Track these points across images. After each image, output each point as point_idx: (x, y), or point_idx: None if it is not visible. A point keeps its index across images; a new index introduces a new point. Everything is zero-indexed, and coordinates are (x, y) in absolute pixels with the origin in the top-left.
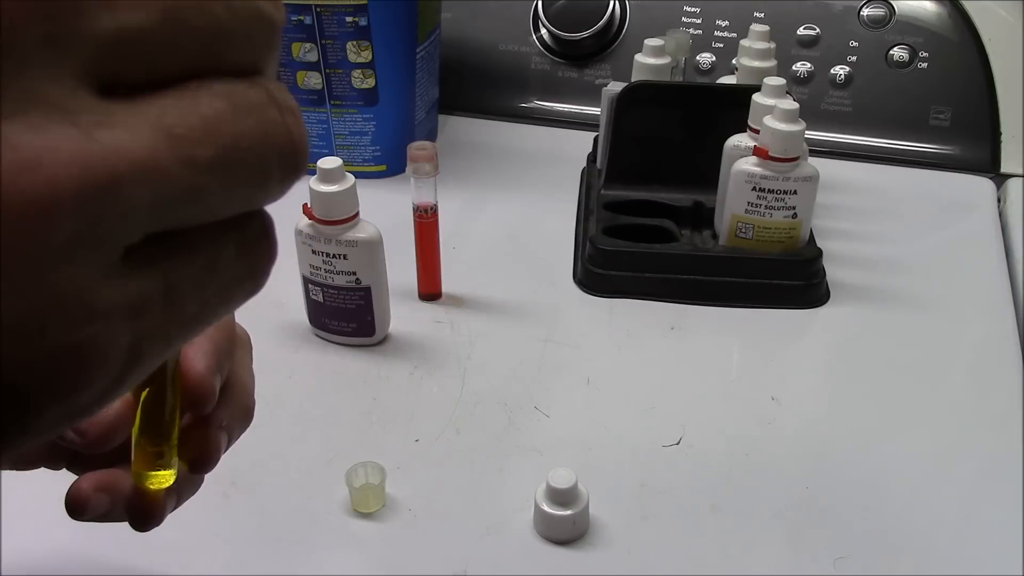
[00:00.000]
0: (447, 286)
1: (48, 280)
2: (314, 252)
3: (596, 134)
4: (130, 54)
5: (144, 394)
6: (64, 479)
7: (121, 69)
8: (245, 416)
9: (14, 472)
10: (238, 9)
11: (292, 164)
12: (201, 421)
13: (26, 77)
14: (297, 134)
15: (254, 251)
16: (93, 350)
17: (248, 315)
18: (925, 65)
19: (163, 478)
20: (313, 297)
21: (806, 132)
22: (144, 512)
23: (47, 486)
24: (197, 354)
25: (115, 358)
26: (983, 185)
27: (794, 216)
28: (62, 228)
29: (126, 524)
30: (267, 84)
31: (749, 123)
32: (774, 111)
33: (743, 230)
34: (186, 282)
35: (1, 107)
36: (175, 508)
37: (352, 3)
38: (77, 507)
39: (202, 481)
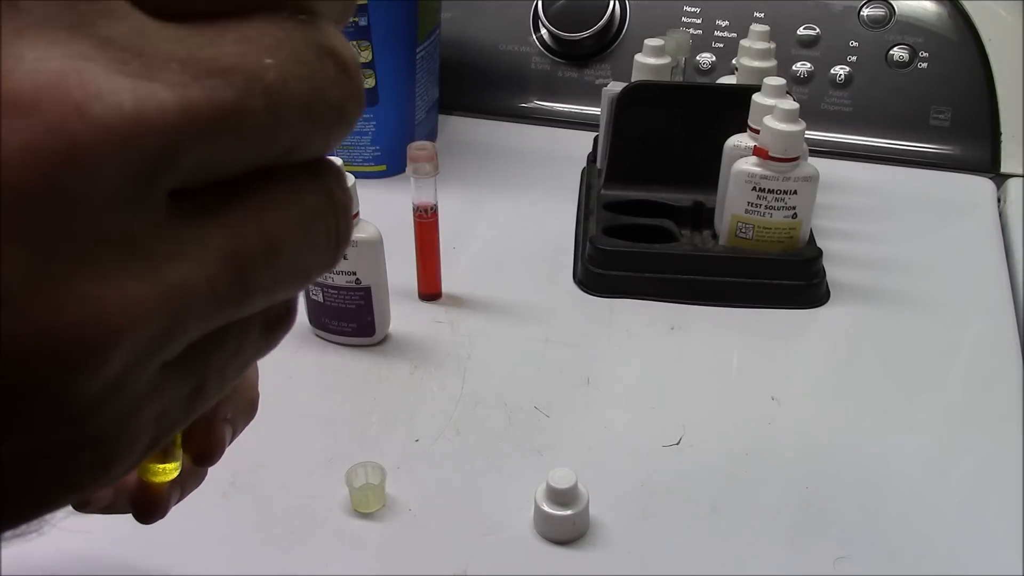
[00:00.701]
0: (447, 286)
1: (100, 402)
2: None
3: (596, 134)
4: (209, 166)
5: None
6: None
7: (194, 181)
8: (249, 409)
9: None
10: (320, 113)
11: (329, 265)
12: (205, 414)
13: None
14: (344, 237)
15: (276, 328)
16: (119, 447)
17: None
18: (925, 65)
19: (167, 471)
20: (313, 297)
21: (806, 132)
22: (148, 505)
23: None
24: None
25: (138, 450)
26: (983, 185)
27: (794, 216)
28: (114, 363)
29: (129, 518)
30: (330, 186)
31: (749, 123)
32: (774, 111)
33: (743, 230)
34: (214, 373)
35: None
36: (179, 501)
37: None
38: (80, 500)
39: (205, 474)
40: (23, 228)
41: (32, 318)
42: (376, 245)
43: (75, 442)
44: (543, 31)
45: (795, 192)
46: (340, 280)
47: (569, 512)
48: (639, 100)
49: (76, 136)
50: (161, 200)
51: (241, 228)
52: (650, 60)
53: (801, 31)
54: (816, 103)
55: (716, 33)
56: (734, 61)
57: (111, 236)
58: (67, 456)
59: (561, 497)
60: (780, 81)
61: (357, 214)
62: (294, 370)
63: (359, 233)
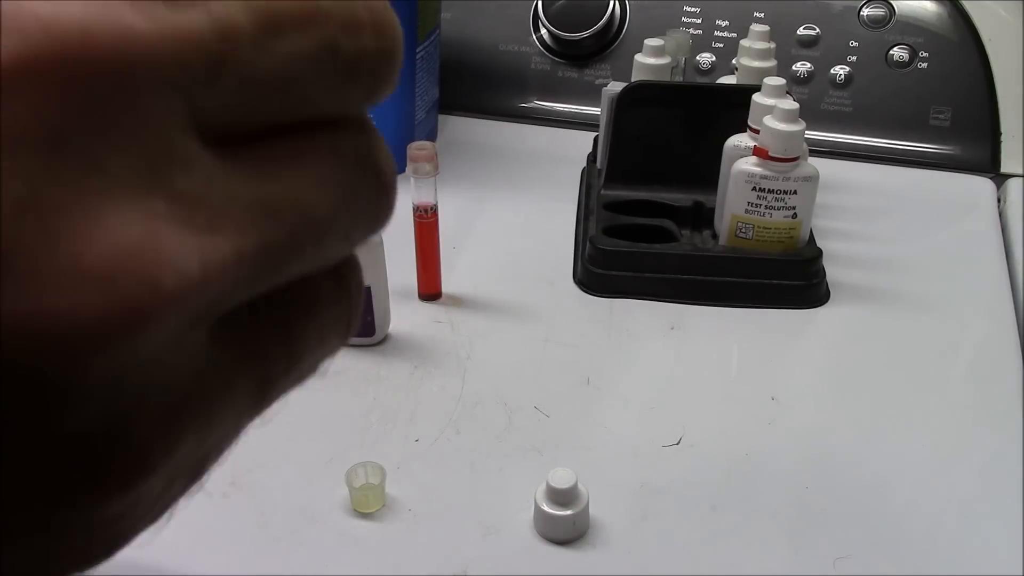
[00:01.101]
0: (447, 286)
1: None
2: None
3: (596, 134)
4: (253, 99)
5: None
6: None
7: (237, 120)
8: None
9: None
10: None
11: (372, 230)
12: None
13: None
14: (390, 206)
15: (349, 276)
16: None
17: None
18: (925, 65)
19: None
20: None
21: (806, 132)
22: None
23: None
24: None
25: (179, 453)
26: (983, 185)
27: (794, 216)
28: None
29: None
30: (370, 139)
31: (749, 123)
32: (774, 111)
33: (743, 230)
34: (287, 344)
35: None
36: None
37: None
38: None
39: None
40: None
41: None
42: (376, 245)
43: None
44: (543, 31)
45: (795, 192)
46: None
47: (569, 512)
48: (639, 100)
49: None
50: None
51: (282, 178)
52: (650, 60)
53: (801, 31)
54: (816, 103)
55: (716, 33)
56: (734, 61)
57: (155, 161)
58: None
59: (561, 497)
60: (780, 81)
61: None
62: None
63: None
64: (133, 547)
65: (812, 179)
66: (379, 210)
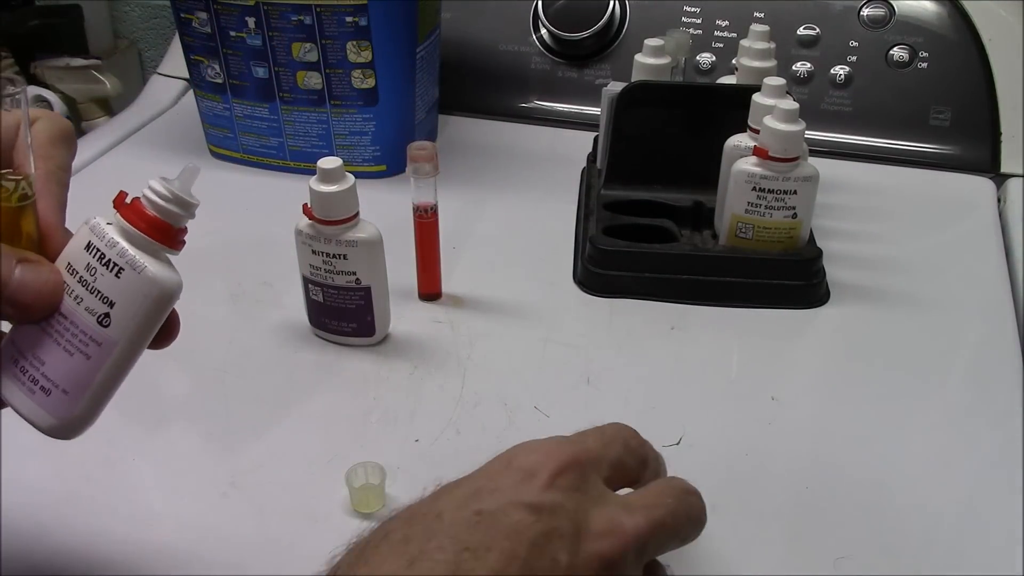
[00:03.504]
0: (447, 286)
1: None
2: (314, 252)
3: (596, 134)
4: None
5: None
6: (65, 485)
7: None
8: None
9: (15, 475)
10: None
11: (696, 533)
12: None
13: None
14: (704, 521)
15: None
16: None
17: (249, 315)
18: (925, 65)
19: None
20: (313, 297)
21: (806, 132)
22: None
23: (47, 487)
24: (51, 205)
25: None
26: (983, 185)
27: (794, 216)
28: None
29: (126, 522)
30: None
31: (749, 123)
32: (774, 111)
33: (743, 230)
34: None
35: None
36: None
37: (352, 3)
38: None
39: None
40: None
41: None
42: (376, 245)
43: None
44: (543, 31)
45: (795, 192)
46: (340, 280)
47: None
48: (639, 100)
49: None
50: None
51: (650, 498)
52: (650, 60)
53: (801, 31)
54: (816, 103)
55: (716, 33)
56: (734, 61)
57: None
58: None
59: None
60: (780, 81)
61: (357, 214)
62: (294, 370)
63: (359, 233)
64: (133, 547)
65: (812, 179)
66: (702, 519)
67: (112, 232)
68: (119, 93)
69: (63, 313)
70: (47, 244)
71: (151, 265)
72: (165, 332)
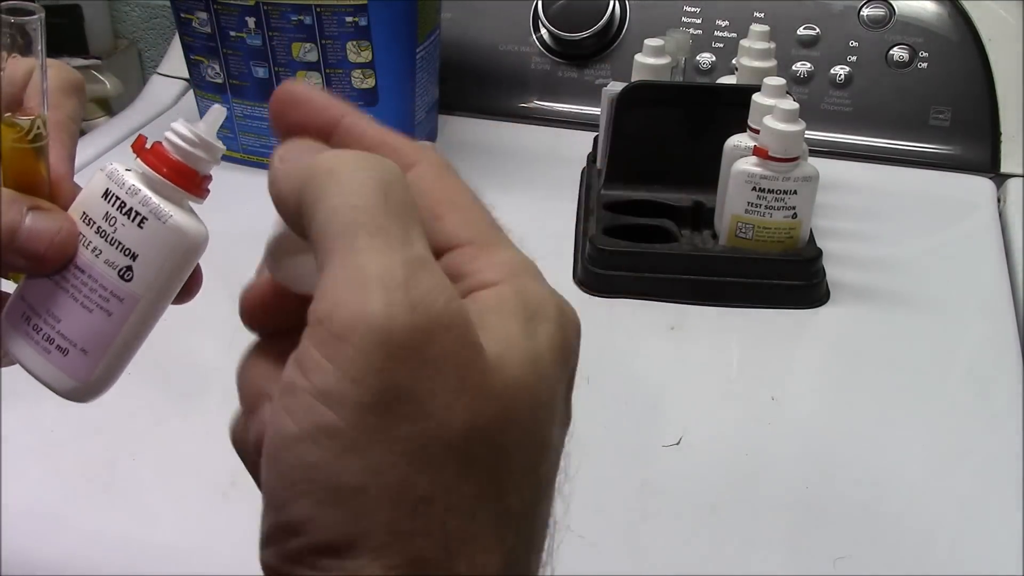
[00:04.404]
0: None
1: None
2: None
3: (596, 134)
4: None
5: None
6: (65, 485)
7: None
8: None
9: (15, 475)
10: None
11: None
12: None
13: None
14: None
15: None
16: None
17: None
18: (925, 65)
19: None
20: None
21: (806, 132)
22: None
23: (47, 487)
24: (61, 155)
25: None
26: (983, 185)
27: (794, 216)
28: None
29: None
30: None
31: (749, 123)
32: (774, 111)
33: (743, 230)
34: None
35: None
36: None
37: (352, 3)
38: None
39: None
40: None
41: None
42: None
43: None
44: (543, 31)
45: (795, 192)
46: None
47: None
48: (639, 100)
49: None
50: None
51: None
52: (650, 60)
53: (801, 31)
54: (816, 103)
55: (716, 33)
56: (734, 61)
57: None
58: None
59: None
60: (780, 81)
61: None
62: None
63: None
64: (133, 547)
65: (812, 179)
66: None
67: (132, 179)
68: (119, 93)
69: (79, 267)
70: (56, 193)
71: (177, 214)
72: (188, 285)
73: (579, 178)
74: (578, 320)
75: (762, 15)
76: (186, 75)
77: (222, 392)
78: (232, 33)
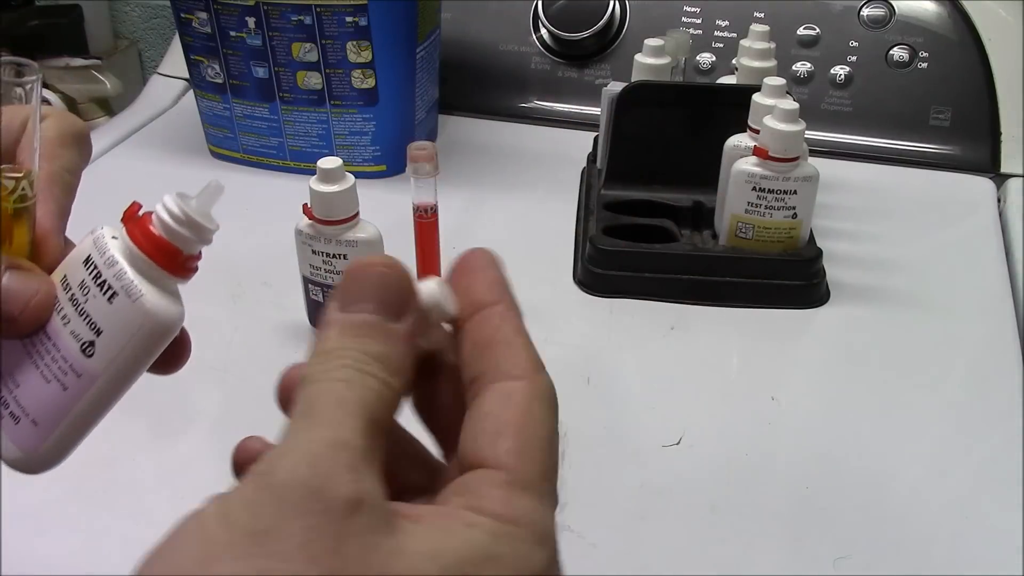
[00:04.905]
0: None
1: None
2: (314, 252)
3: (596, 134)
4: None
5: None
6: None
7: None
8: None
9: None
10: None
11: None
12: None
13: None
14: None
15: None
16: None
17: (249, 315)
18: (925, 65)
19: None
20: (313, 297)
21: (806, 132)
22: None
23: (47, 488)
24: (49, 210)
25: None
26: (983, 185)
27: (794, 216)
28: None
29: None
30: None
31: (749, 123)
32: (774, 111)
33: (743, 230)
34: None
35: None
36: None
37: (352, 3)
38: None
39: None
40: None
41: None
42: (376, 245)
43: None
44: (543, 31)
45: (795, 192)
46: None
47: None
48: (639, 100)
49: None
50: None
51: None
52: (650, 60)
53: (801, 31)
54: (816, 103)
55: (716, 33)
56: (734, 61)
57: None
58: None
59: None
60: (780, 81)
61: (357, 214)
62: None
63: (359, 233)
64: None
65: (812, 179)
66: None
67: (114, 249)
68: (119, 93)
69: (48, 333)
70: (41, 252)
71: (149, 293)
72: (173, 357)
73: (579, 178)
74: None
75: (762, 15)
76: (186, 75)
77: (223, 392)
78: (232, 33)
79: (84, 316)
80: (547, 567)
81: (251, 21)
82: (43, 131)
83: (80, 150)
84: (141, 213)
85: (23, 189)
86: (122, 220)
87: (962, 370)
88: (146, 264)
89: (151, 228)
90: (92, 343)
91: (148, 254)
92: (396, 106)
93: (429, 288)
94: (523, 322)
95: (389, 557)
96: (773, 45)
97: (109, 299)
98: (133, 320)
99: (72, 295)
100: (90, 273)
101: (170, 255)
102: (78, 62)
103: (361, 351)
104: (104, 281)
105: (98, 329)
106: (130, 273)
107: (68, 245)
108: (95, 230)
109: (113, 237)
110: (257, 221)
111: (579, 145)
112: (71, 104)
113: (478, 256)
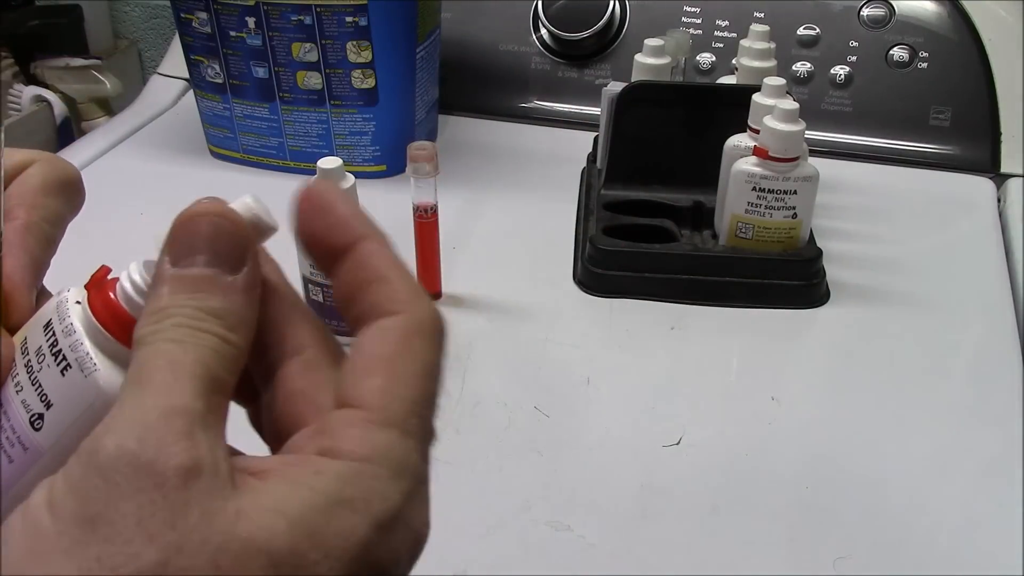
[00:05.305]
0: (447, 286)
1: None
2: None
3: (596, 134)
4: None
5: None
6: None
7: None
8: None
9: None
10: None
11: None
12: None
13: None
14: None
15: None
16: None
17: None
18: (925, 65)
19: None
20: (313, 297)
21: (806, 132)
22: None
23: None
24: (20, 263)
25: None
26: (983, 185)
27: (794, 216)
28: None
29: None
30: None
31: (749, 123)
32: (774, 111)
33: (743, 230)
34: None
35: None
36: None
37: (352, 3)
38: None
39: None
40: None
41: None
42: None
43: None
44: (543, 31)
45: (795, 192)
46: None
47: None
48: (639, 100)
49: None
50: None
51: None
52: (650, 60)
53: (801, 31)
54: (816, 103)
55: (716, 33)
56: (734, 61)
57: None
58: None
59: None
60: (780, 81)
61: None
62: None
63: None
64: None
65: (812, 179)
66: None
67: (74, 316)
68: (119, 93)
69: (1, 398)
70: (7, 308)
71: (104, 369)
72: None
73: (579, 178)
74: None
75: (762, 15)
76: (186, 75)
77: None
78: (232, 33)
79: (36, 386)
80: (405, 502)
81: (251, 21)
82: (27, 178)
83: (67, 199)
84: (109, 277)
85: None
86: (86, 286)
87: (962, 370)
88: (103, 337)
89: (112, 297)
90: (41, 416)
91: (106, 326)
92: (396, 106)
93: (245, 205)
94: (395, 252)
95: (234, 520)
96: (773, 45)
97: (62, 371)
98: (84, 396)
99: (28, 361)
100: (48, 340)
101: (131, 328)
102: (78, 62)
103: (195, 307)
104: (60, 351)
105: (48, 402)
106: (87, 345)
107: (43, 295)
108: (61, 292)
109: (77, 302)
110: None
111: (579, 145)
112: (71, 104)
113: (322, 192)
